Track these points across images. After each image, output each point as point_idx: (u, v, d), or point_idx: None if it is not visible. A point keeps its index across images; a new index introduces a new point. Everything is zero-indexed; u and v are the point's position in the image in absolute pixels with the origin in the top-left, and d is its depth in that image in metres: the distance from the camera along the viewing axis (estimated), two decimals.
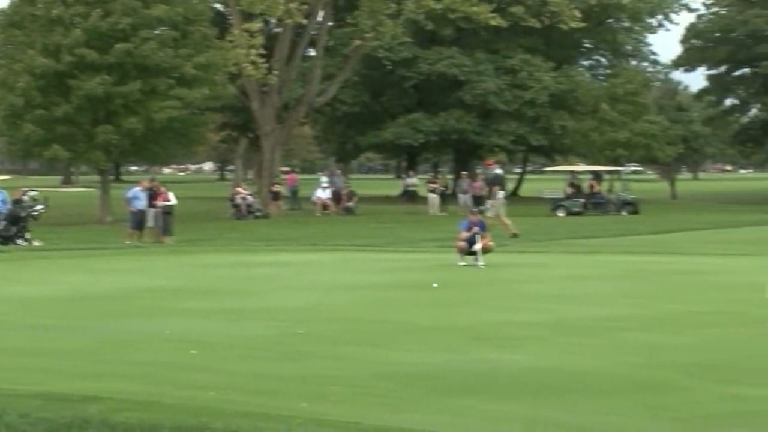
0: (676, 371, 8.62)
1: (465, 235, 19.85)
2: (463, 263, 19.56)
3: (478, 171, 65.69)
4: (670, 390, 7.87)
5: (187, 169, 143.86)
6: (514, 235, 27.74)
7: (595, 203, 48.88)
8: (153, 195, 29.37)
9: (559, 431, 6.51)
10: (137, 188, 29.84)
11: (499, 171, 30.48)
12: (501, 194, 29.50)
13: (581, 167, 55.37)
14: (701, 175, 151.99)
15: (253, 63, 40.87)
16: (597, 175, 51.28)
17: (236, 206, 42.97)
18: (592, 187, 49.99)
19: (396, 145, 65.96)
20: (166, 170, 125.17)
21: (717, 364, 8.96)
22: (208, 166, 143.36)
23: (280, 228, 35.17)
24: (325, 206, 47.44)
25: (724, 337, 10.56)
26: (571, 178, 51.08)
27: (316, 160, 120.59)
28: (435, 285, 15.24)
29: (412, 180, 55.08)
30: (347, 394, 7.73)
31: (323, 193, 48.40)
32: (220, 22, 48.56)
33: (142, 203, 29.01)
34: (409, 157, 74.59)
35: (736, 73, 79.65)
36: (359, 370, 8.74)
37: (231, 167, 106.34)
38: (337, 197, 48.51)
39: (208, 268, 19.72)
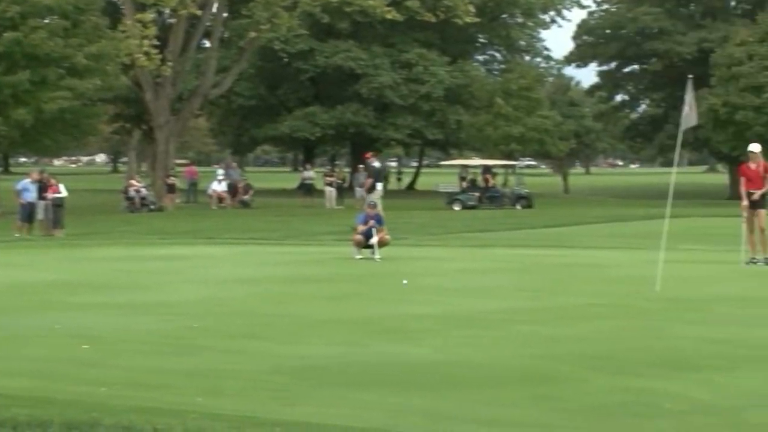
0: (569, 363, 8.76)
1: (362, 228, 19.89)
2: (360, 256, 19.59)
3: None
4: (562, 381, 7.99)
5: (78, 161, 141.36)
6: None
7: (491, 197, 49.44)
8: (43, 187, 28.77)
9: (455, 423, 6.56)
10: (27, 180, 29.19)
11: (377, 164, 30.72)
12: (379, 186, 29.79)
13: (476, 161, 56.00)
14: (593, 169, 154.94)
15: (147, 54, 40.30)
16: (487, 169, 51.88)
17: (130, 199, 42.35)
18: (487, 181, 50.55)
19: (293, 138, 65.80)
20: (57, 162, 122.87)
21: (608, 356, 9.12)
22: (100, 158, 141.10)
23: (174, 221, 34.76)
24: (220, 199, 47.05)
25: (615, 330, 10.76)
26: (462, 172, 51.55)
27: (212, 152, 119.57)
28: (405, 282, 14.92)
29: (309, 173, 55.00)
30: (243, 388, 7.66)
31: (219, 186, 48.00)
32: (112, 12, 47.77)
33: (31, 195, 28.39)
34: (305, 150, 74.50)
35: (626, 70, 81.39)
36: (255, 363, 8.67)
37: (124, 159, 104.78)
38: (233, 190, 48.16)
39: (100, 261, 19.37)
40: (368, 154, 34.94)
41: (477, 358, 8.97)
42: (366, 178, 30.09)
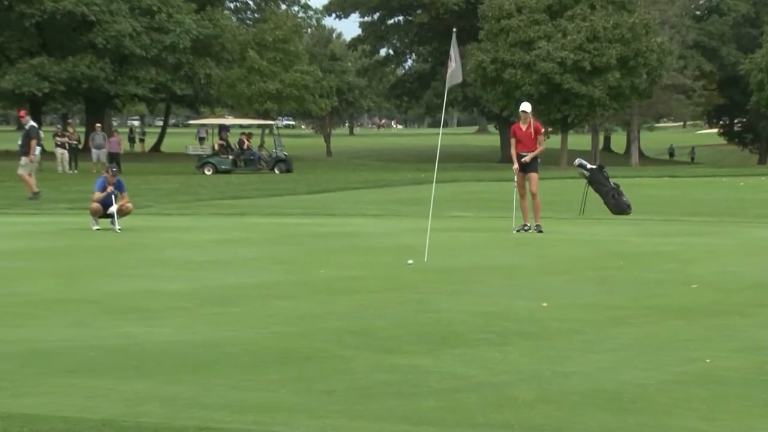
0: (330, 341, 8.87)
1: (99, 195, 19.46)
2: (98, 227, 19.20)
3: (115, 123, 63.95)
4: (322, 361, 8.09)
5: None
6: (35, 194, 27.96)
7: (246, 161, 49.47)
8: None
9: (201, 410, 6.53)
10: None
11: (33, 123, 30.29)
12: (38, 150, 29.56)
13: (229, 120, 55.76)
14: (358, 130, 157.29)
15: None
16: (224, 129, 51.83)
17: None
18: (242, 142, 50.51)
19: (17, 93, 63.49)
20: None
21: (372, 332, 9.29)
22: None
23: None
24: None
25: (380, 304, 10.96)
26: (200, 131, 51.32)
27: None
28: (410, 261, 14.33)
29: None
30: None
31: None
32: None
33: None
34: (32, 107, 72.03)
35: (391, 21, 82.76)
36: None
37: None
38: None
39: None
40: (21, 112, 34.37)
41: (228, 338, 8.96)
42: (27, 139, 29.55)
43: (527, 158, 19.36)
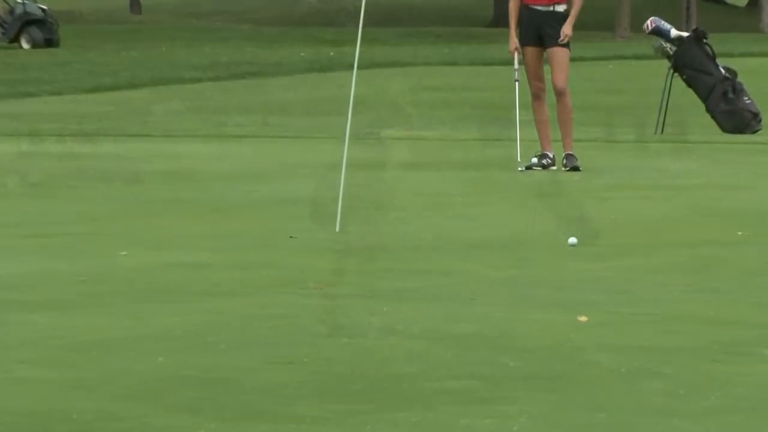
0: (140, 397, 8.78)
1: None
2: None
3: None
4: None
5: None
6: None
7: None
8: None
9: None
10: None
11: None
12: None
13: None
14: None
15: None
16: None
17: None
18: None
19: None
20: None
21: (228, 380, 9.18)
22: None
23: None
24: None
25: (245, 320, 10.85)
26: None
27: None
28: (573, 240, 14.14)
29: None
30: None
31: None
32: None
33: None
34: None
35: None
36: None
37: None
38: None
39: None
40: None
41: None
42: None
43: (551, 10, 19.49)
